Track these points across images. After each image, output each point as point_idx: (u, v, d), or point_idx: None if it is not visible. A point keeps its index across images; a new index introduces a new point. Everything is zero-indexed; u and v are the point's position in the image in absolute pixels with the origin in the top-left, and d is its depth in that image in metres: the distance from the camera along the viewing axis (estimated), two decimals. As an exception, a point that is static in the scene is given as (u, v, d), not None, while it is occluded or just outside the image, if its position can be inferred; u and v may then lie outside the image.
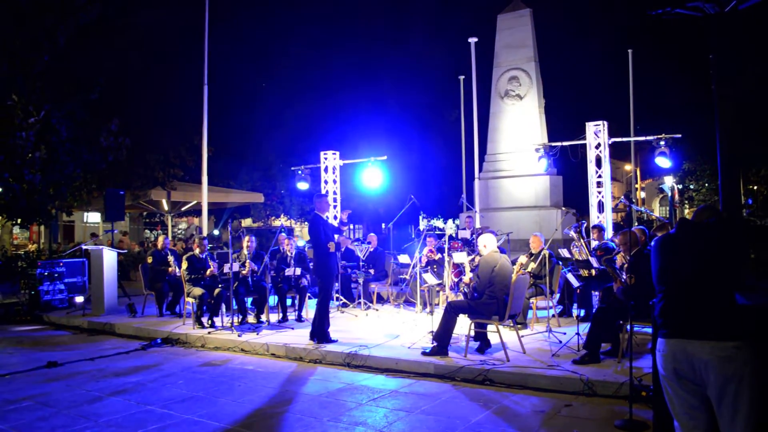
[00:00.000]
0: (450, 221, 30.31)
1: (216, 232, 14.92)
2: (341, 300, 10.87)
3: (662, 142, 11.27)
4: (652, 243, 3.47)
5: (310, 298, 10.28)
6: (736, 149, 7.41)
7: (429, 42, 24.55)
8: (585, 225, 9.61)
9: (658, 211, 43.67)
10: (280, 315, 9.75)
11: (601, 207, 11.74)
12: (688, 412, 3.06)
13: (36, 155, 12.99)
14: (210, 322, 9.23)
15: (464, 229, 12.47)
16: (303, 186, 13.99)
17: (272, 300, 10.12)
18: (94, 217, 28.54)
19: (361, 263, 11.15)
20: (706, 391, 3.00)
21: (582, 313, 8.69)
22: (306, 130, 22.28)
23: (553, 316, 8.82)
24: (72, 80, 13.97)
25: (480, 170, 16.20)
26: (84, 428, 5.04)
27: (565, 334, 7.77)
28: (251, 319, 9.65)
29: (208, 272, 9.50)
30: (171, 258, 10.46)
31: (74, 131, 13.95)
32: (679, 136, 11.28)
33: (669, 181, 30.27)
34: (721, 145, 7.21)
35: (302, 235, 23.87)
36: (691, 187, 32.00)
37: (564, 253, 9.43)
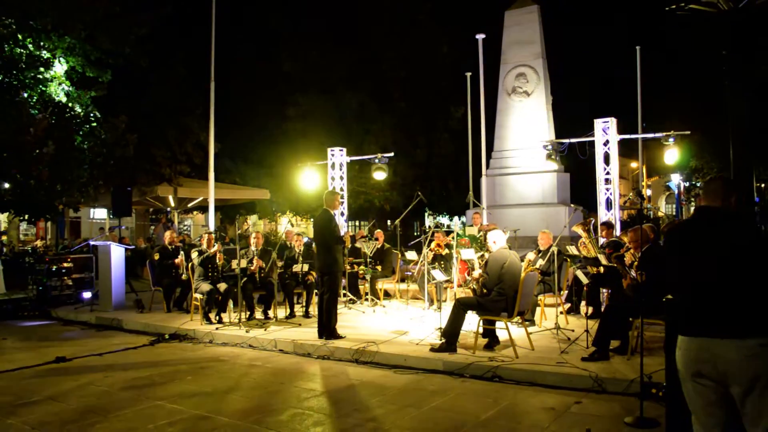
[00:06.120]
0: (455, 218, 30.26)
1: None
2: (348, 296, 10.86)
3: (671, 140, 11.25)
4: (667, 232, 3.35)
5: (317, 294, 10.28)
6: (748, 146, 7.35)
7: (436, 38, 24.37)
8: (593, 222, 9.57)
9: (664, 208, 43.49)
10: (288, 311, 9.76)
11: (609, 204, 11.68)
12: (706, 409, 2.98)
13: (44, 151, 13.03)
14: (218, 318, 9.25)
15: (472, 225, 12.45)
16: (310, 182, 13.97)
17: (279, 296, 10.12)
18: (100, 213, 28.60)
19: (368, 260, 11.14)
20: (729, 389, 2.91)
21: (591, 310, 8.66)
22: (313, 126, 22.24)
23: (562, 313, 8.79)
24: (80, 76, 14.00)
25: (487, 167, 16.14)
26: (94, 423, 5.03)
27: (573, 331, 7.74)
28: (259, 314, 9.66)
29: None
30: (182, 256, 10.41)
31: (82, 127, 13.99)
32: (688, 132, 11.22)
33: (676, 179, 30.11)
34: (734, 142, 7.16)
35: (307, 232, 23.87)
36: (698, 184, 31.80)
37: (572, 250, 9.40)
